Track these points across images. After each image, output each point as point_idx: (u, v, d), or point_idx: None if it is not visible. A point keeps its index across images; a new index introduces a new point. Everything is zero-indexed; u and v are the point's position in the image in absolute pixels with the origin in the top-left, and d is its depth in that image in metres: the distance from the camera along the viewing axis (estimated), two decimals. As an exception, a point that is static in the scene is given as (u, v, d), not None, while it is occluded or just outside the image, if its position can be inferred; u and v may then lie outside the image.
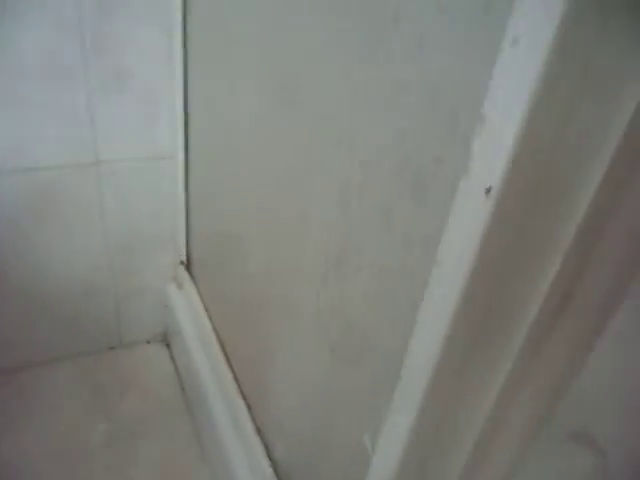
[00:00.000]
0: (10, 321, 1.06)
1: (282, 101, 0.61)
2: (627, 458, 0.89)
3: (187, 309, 1.09)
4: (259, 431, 0.82)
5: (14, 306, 1.04)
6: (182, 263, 1.13)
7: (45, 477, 0.95)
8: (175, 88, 0.94)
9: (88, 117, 0.91)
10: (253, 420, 0.83)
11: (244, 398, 0.87)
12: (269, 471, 0.77)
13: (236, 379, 0.91)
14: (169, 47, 0.91)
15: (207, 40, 0.84)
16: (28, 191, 0.94)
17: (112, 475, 0.97)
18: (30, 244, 0.99)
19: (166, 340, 1.23)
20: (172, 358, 1.19)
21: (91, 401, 1.09)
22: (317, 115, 0.53)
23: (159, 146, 0.99)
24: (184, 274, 1.12)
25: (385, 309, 0.46)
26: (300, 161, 0.59)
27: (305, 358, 0.64)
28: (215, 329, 1.00)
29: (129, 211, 1.04)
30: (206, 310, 1.04)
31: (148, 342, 1.23)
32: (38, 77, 0.85)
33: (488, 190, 0.30)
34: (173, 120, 0.97)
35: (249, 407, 0.85)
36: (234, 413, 0.86)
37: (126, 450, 1.01)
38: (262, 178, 0.71)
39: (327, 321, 0.56)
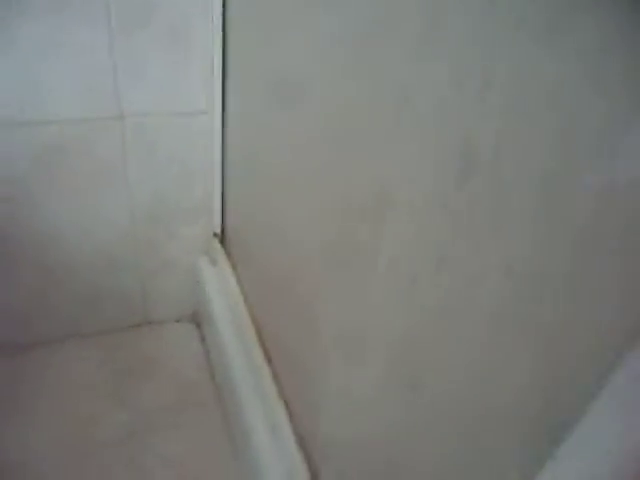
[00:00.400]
0: (25, 294, 0.95)
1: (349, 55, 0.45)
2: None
3: (220, 288, 0.96)
4: (301, 441, 0.69)
5: (29, 277, 0.93)
6: (216, 235, 1.00)
7: (55, 471, 0.85)
8: (213, 30, 0.79)
9: (110, 62, 0.77)
10: (294, 429, 0.70)
11: (285, 402, 0.74)
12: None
13: (275, 377, 0.78)
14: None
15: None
16: (41, 148, 0.81)
17: (131, 472, 0.86)
18: (45, 210, 0.87)
19: (197, 320, 1.11)
20: (202, 340, 1.07)
21: (112, 385, 0.98)
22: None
23: (193, 100, 0.85)
24: (218, 248, 0.99)
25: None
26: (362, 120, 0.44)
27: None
28: (252, 314, 0.87)
29: (157, 175, 0.91)
30: (242, 291, 0.91)
31: (177, 321, 1.11)
32: (49, 12, 0.71)
33: None
34: (209, 69, 0.82)
35: (290, 414, 0.72)
36: (271, 418, 0.74)
37: (147, 443, 0.90)
38: (313, 145, 0.56)
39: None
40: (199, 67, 0.82)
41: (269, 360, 0.81)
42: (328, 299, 0.57)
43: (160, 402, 0.96)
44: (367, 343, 0.49)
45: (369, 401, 0.51)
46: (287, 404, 0.74)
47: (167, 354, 1.04)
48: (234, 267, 0.95)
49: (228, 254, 0.98)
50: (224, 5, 0.77)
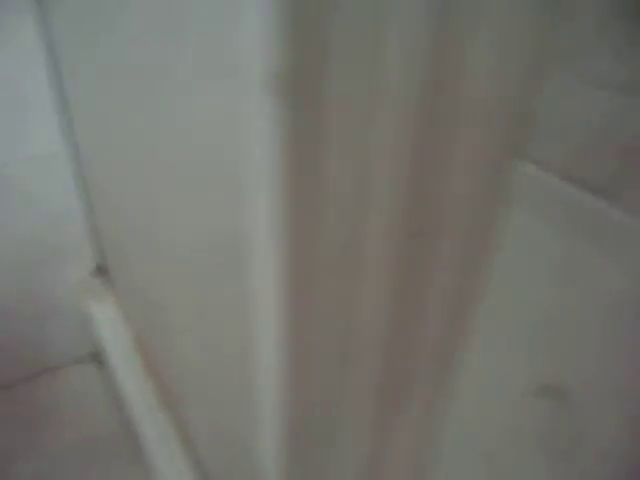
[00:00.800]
0: None
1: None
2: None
3: (108, 323, 0.95)
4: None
5: None
6: (97, 271, 0.99)
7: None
8: (44, 83, 0.79)
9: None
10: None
11: (183, 438, 0.75)
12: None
13: (169, 407, 0.78)
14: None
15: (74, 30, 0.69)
16: None
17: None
18: None
19: (98, 358, 1.09)
20: (104, 378, 1.06)
21: (14, 436, 0.95)
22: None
23: (42, 143, 0.84)
24: (102, 284, 0.98)
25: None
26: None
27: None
28: (141, 347, 0.87)
29: (24, 220, 0.89)
30: (128, 324, 0.90)
31: (77, 363, 1.09)
32: None
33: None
34: (48, 116, 0.82)
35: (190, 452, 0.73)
36: (173, 458, 0.74)
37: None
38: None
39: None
40: (41, 113, 0.82)
41: (164, 392, 0.81)
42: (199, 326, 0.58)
43: (65, 447, 0.94)
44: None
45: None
46: (186, 440, 0.74)
47: (68, 398, 1.02)
48: (118, 301, 0.94)
49: (112, 288, 0.97)
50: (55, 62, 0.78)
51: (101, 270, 0.99)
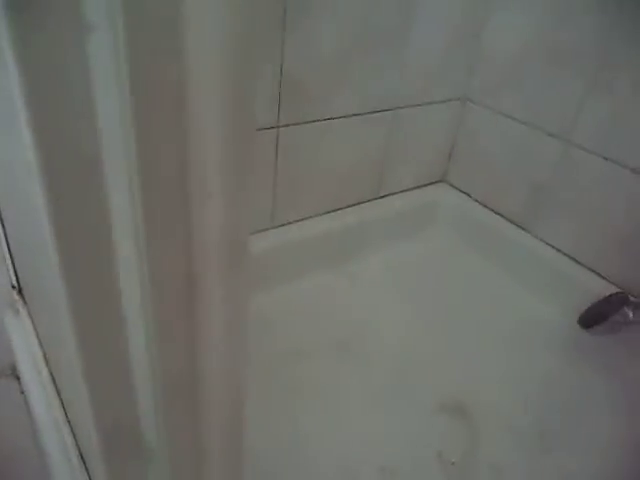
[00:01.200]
0: None
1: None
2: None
3: (22, 338, 0.96)
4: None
5: None
6: (14, 287, 1.00)
7: None
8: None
9: None
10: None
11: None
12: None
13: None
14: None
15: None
16: None
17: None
18: None
19: (17, 373, 1.10)
20: (22, 392, 1.06)
21: None
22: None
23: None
24: (18, 299, 0.99)
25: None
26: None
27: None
28: (48, 363, 0.88)
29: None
30: (37, 337, 0.92)
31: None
32: None
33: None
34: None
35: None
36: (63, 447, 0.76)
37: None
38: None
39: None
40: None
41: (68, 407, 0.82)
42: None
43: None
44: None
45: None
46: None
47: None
48: (31, 316, 0.96)
49: (26, 303, 0.98)
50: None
51: (18, 285, 1.00)
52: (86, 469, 0.75)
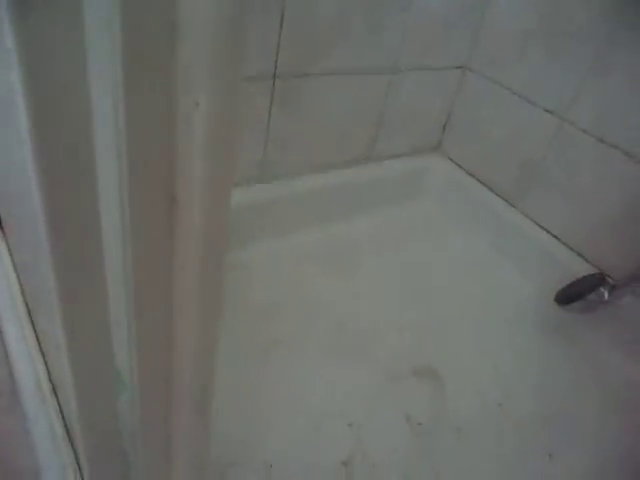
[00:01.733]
0: None
1: None
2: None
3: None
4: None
5: None
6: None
7: None
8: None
9: None
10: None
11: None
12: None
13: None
14: None
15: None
16: None
17: None
18: None
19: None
20: None
21: None
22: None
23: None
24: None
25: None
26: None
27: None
28: (22, 290, 0.88)
29: None
30: (15, 270, 0.91)
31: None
32: None
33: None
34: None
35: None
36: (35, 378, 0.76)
37: None
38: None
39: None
40: None
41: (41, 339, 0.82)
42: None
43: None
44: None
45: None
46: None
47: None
48: (10, 248, 0.95)
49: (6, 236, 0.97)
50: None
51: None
52: (57, 401, 0.76)
